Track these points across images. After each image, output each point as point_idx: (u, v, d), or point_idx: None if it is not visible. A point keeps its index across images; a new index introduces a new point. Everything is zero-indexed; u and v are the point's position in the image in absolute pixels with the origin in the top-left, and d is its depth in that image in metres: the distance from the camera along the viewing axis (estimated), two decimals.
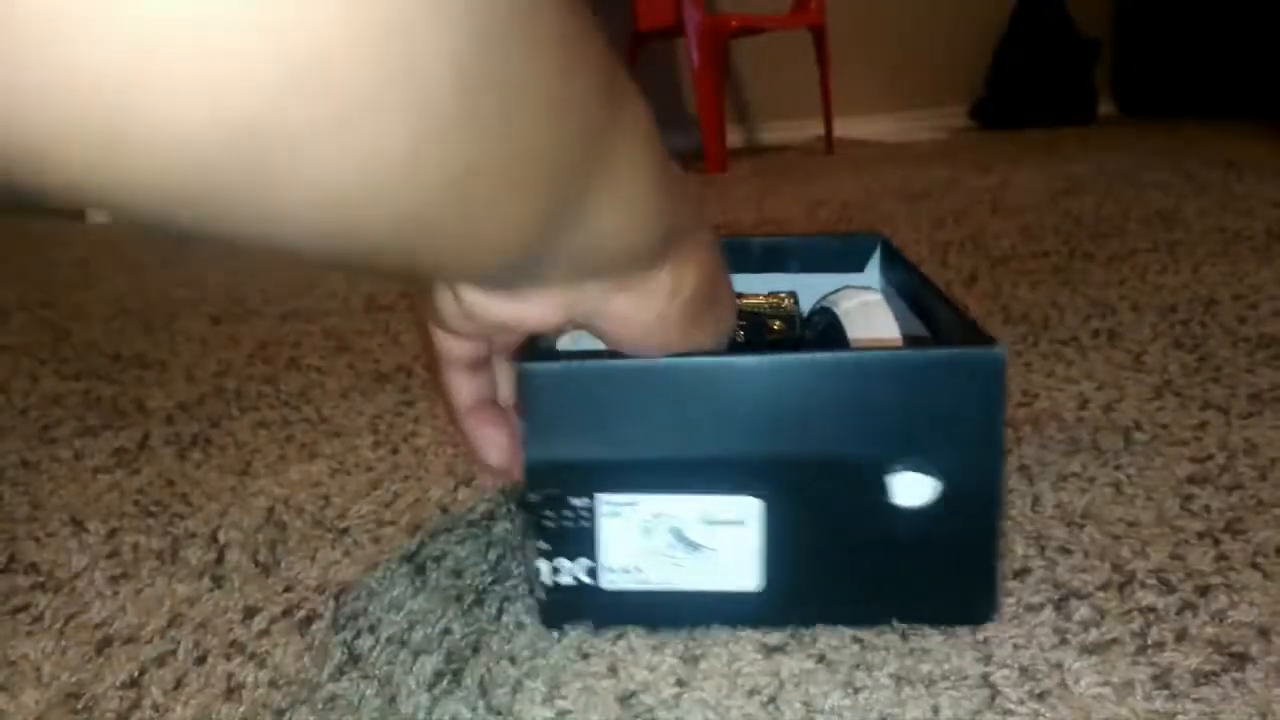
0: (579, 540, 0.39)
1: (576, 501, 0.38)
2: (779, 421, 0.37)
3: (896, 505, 0.38)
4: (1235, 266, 1.11)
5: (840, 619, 0.41)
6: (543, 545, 0.39)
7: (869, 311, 0.48)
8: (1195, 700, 0.36)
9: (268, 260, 1.45)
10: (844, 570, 0.40)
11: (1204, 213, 1.48)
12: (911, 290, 0.50)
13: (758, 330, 0.50)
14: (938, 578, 0.40)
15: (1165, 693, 0.36)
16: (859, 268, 0.57)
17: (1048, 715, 0.35)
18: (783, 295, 0.53)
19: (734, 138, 2.97)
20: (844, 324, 0.48)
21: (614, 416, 0.37)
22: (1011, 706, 0.36)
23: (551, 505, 0.38)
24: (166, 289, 1.28)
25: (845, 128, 3.08)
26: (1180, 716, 0.35)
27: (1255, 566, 0.45)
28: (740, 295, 0.49)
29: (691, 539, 0.38)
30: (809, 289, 0.56)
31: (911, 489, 0.38)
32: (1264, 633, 0.40)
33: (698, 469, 0.38)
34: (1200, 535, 0.48)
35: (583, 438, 0.37)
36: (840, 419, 0.37)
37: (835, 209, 1.68)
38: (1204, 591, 0.43)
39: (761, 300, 0.53)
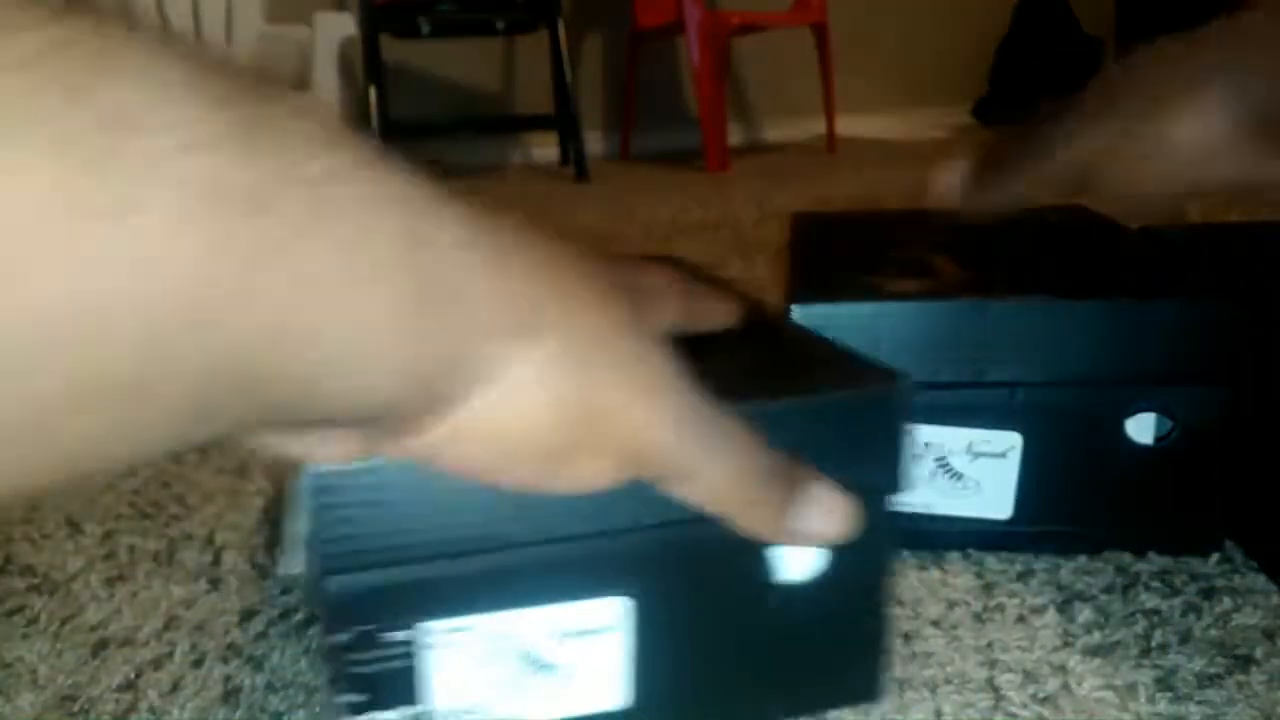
0: (400, 683, 0.29)
1: (394, 636, 0.29)
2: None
3: (785, 583, 0.32)
4: None
5: None
6: (354, 698, 0.30)
7: None
8: (1199, 703, 0.35)
9: None
10: (730, 664, 0.33)
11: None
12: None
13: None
14: None
15: (1169, 695, 0.36)
16: None
17: (1051, 718, 0.35)
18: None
19: (735, 136, 2.97)
20: None
21: (431, 515, 0.28)
22: (1015, 710, 0.35)
23: (362, 646, 0.29)
24: None
25: (847, 126, 3.07)
26: (1184, 719, 0.35)
27: (1259, 570, 0.44)
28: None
29: (545, 659, 0.31)
30: None
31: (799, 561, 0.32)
32: (1269, 635, 0.39)
33: (548, 570, 0.30)
34: None
35: (395, 552, 0.28)
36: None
37: (837, 207, 1.68)
38: (1208, 594, 0.42)
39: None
